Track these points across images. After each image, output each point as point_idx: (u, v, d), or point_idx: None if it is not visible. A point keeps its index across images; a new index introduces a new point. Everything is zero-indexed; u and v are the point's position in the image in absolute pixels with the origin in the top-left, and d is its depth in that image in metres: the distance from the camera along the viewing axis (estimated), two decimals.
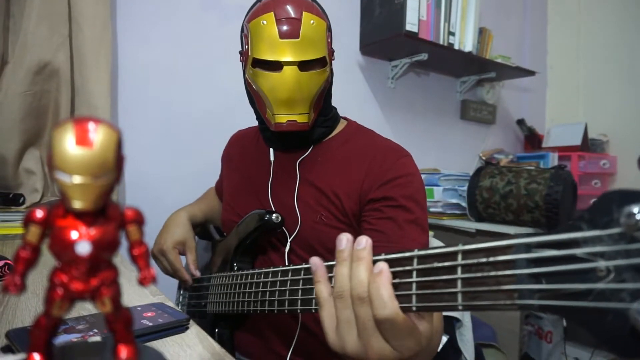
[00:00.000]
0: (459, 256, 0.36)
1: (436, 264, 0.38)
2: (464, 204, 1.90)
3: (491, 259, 0.34)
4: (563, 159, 2.44)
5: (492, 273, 0.34)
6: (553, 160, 2.44)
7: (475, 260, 0.35)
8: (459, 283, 0.36)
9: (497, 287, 0.33)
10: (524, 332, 2.01)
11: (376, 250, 0.79)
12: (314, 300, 0.54)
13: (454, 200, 1.97)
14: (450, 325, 1.30)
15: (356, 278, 0.43)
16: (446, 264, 0.37)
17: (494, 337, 1.76)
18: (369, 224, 0.82)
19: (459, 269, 0.36)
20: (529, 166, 1.85)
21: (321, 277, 0.47)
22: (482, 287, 0.34)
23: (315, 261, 0.49)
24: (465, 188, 1.89)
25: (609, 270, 0.27)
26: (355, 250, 0.44)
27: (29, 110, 1.26)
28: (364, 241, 0.44)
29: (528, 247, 0.32)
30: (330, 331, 0.46)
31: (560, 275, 0.30)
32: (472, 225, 1.84)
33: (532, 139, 2.76)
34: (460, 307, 0.36)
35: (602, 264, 0.28)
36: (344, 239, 0.46)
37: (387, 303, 0.40)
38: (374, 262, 0.44)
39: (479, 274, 0.34)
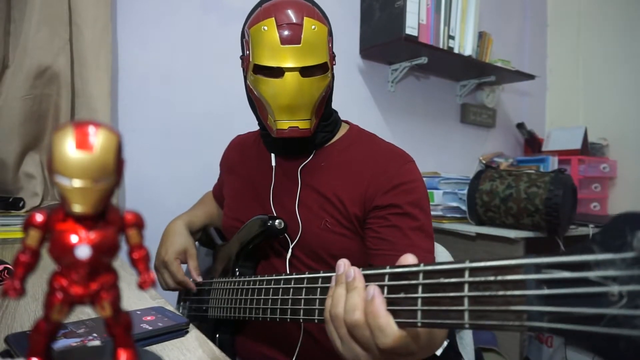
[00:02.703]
0: (466, 273, 0.36)
1: (443, 280, 0.37)
2: (464, 208, 1.90)
3: (499, 277, 0.33)
4: (563, 162, 2.44)
5: (501, 292, 0.33)
6: (553, 164, 2.44)
7: (483, 278, 0.34)
8: (466, 301, 0.35)
9: (506, 307, 0.32)
10: (525, 336, 2.00)
11: (382, 258, 0.79)
12: (317, 310, 0.54)
13: (454, 204, 1.96)
14: (451, 329, 1.30)
15: (349, 303, 0.45)
16: (453, 280, 0.36)
17: (494, 341, 1.76)
18: (374, 232, 0.82)
19: (466, 286, 0.35)
20: (529, 170, 1.85)
21: (331, 293, 0.49)
22: (490, 306, 0.33)
23: (341, 267, 0.49)
24: (465, 191, 1.88)
25: (622, 296, 0.26)
26: (347, 283, 0.47)
27: (29, 114, 1.26)
28: (352, 272, 0.46)
29: (538, 268, 0.31)
30: (337, 344, 0.48)
31: (571, 298, 0.29)
32: (472, 229, 1.84)
33: (532, 143, 2.76)
34: (467, 326, 0.35)
35: (615, 288, 0.27)
36: (341, 264, 0.48)
37: (387, 331, 0.41)
38: (379, 275, 0.45)
39: (487, 293, 0.34)
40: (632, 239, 0.26)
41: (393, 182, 0.82)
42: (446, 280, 0.37)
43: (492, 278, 0.34)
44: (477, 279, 0.35)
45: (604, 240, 0.28)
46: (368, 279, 0.46)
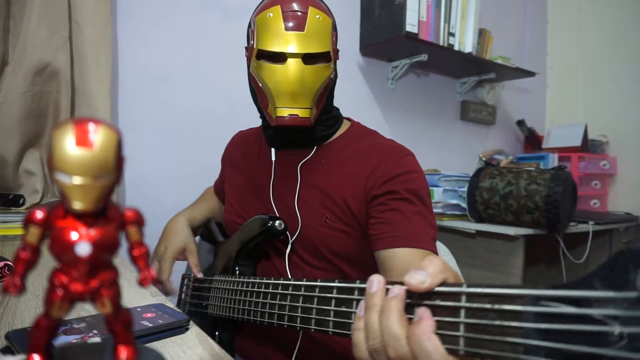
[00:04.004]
0: (463, 298, 0.34)
1: (439, 302, 0.36)
2: (464, 205, 1.90)
3: (496, 306, 0.32)
4: (563, 159, 2.44)
5: (497, 322, 0.32)
6: (553, 161, 2.44)
7: (479, 305, 0.33)
8: (462, 327, 0.34)
9: (502, 337, 0.31)
10: None
11: (386, 241, 0.78)
12: (313, 320, 0.52)
13: (454, 201, 1.97)
14: None
15: (388, 332, 0.37)
16: (449, 303, 0.35)
17: None
18: (375, 218, 0.82)
19: (462, 312, 0.34)
20: (529, 167, 1.85)
21: (361, 325, 0.40)
22: (486, 335, 0.32)
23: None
24: (465, 189, 1.89)
25: (622, 336, 0.26)
26: (384, 299, 0.39)
27: (29, 111, 1.26)
28: (397, 289, 0.39)
29: (537, 300, 0.30)
30: None
31: (569, 334, 0.28)
32: (472, 226, 1.84)
33: (532, 140, 2.76)
34: (462, 352, 0.34)
35: (616, 328, 0.26)
36: (375, 281, 0.40)
37: (435, 356, 0.34)
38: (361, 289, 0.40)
39: (484, 321, 0.33)
40: (635, 278, 0.25)
41: (391, 173, 0.83)
42: (443, 304, 0.36)
43: (488, 306, 0.33)
44: (474, 305, 0.34)
45: (606, 276, 0.27)
46: (352, 291, 0.44)
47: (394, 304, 0.38)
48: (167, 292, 0.97)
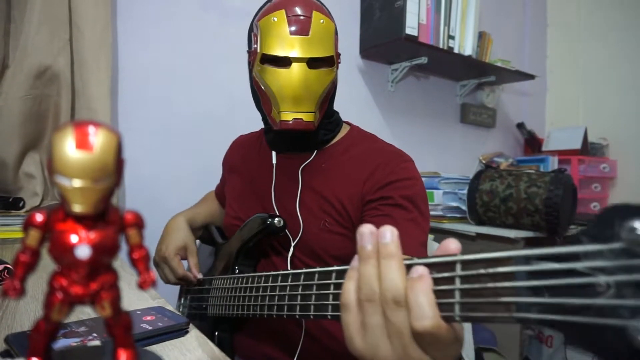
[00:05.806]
0: (458, 266, 0.35)
1: (435, 274, 0.37)
2: (464, 208, 1.90)
3: (490, 270, 0.33)
4: (563, 162, 2.44)
5: (490, 285, 0.33)
6: (553, 163, 2.44)
7: (474, 272, 0.34)
8: (457, 294, 0.35)
9: (495, 299, 0.32)
10: (525, 336, 2.00)
11: None
12: (312, 306, 0.52)
13: (454, 204, 1.96)
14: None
15: (388, 280, 0.36)
16: (445, 274, 0.36)
17: (494, 341, 1.76)
18: (367, 223, 0.82)
19: (458, 280, 0.35)
20: (529, 170, 1.85)
21: (354, 275, 0.40)
22: (480, 298, 0.33)
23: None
24: (465, 191, 1.89)
25: (609, 286, 0.27)
26: (380, 244, 0.38)
27: (29, 114, 1.26)
28: (389, 234, 0.38)
29: (527, 260, 0.31)
30: (357, 337, 0.39)
31: (559, 289, 0.29)
32: (472, 229, 1.84)
33: (532, 143, 2.76)
34: (457, 318, 0.35)
35: (602, 278, 0.27)
36: (367, 231, 0.39)
37: (427, 312, 0.34)
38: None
39: (477, 285, 0.34)
40: (620, 230, 0.26)
41: (388, 179, 0.83)
42: (439, 275, 0.37)
43: (482, 271, 0.34)
44: (468, 272, 0.35)
45: (593, 231, 0.28)
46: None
47: (393, 251, 0.37)
48: (192, 282, 0.97)
